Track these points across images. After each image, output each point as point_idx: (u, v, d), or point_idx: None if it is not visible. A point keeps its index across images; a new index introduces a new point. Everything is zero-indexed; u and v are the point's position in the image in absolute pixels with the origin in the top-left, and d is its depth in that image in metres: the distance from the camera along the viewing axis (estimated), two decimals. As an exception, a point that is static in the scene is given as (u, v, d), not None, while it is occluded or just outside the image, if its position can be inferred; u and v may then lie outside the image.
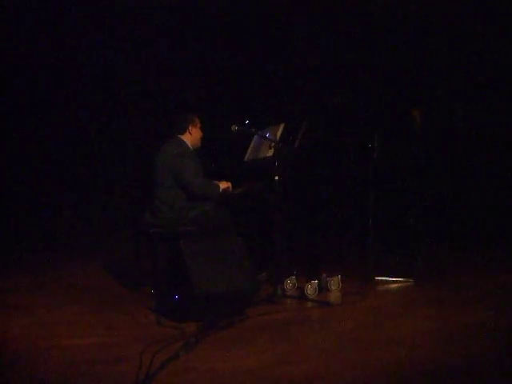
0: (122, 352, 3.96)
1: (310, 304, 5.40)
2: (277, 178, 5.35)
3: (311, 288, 5.55)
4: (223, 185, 5.72)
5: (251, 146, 6.15)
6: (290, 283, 5.79)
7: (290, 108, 8.83)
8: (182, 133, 5.75)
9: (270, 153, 5.60)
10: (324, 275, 5.80)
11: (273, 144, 5.52)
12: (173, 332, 4.33)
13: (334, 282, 5.84)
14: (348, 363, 3.66)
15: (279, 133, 5.76)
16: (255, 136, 6.04)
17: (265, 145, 5.81)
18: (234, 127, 5.59)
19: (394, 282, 6.22)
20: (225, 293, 4.70)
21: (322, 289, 5.72)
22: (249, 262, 4.96)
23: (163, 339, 4.10)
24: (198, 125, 5.82)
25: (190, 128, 5.74)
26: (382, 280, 6.20)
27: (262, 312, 4.90)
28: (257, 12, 9.21)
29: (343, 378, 3.44)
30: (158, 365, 3.54)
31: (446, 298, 5.48)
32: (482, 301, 5.32)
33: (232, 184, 5.77)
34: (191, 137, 5.76)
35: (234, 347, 4.03)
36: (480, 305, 5.17)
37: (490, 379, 3.38)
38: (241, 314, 4.75)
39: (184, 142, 5.71)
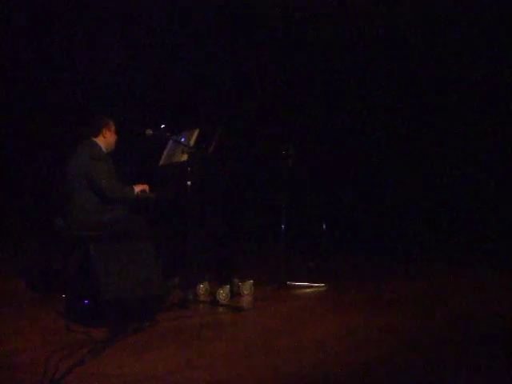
0: (27, 358, 3.88)
1: (221, 309, 5.42)
2: (189, 183, 5.36)
3: (223, 293, 5.57)
4: (138, 187, 5.70)
5: (166, 150, 6.13)
6: (202, 288, 5.79)
7: (205, 114, 8.86)
8: (96, 135, 5.70)
9: (184, 158, 5.59)
10: (236, 280, 5.83)
11: (186, 149, 5.53)
12: (81, 337, 4.27)
13: (246, 287, 5.88)
14: (255, 368, 3.70)
15: (193, 138, 5.76)
16: (170, 141, 6.03)
17: (179, 150, 5.79)
18: (149, 131, 5.57)
19: (307, 287, 6.29)
20: (134, 298, 4.68)
21: (234, 294, 5.74)
22: (159, 267, 4.94)
23: (71, 345, 4.05)
24: (113, 128, 5.79)
25: (104, 131, 5.70)
26: (294, 285, 6.27)
27: (173, 317, 4.90)
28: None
29: (249, 382, 3.48)
30: (63, 371, 3.50)
31: (357, 302, 5.60)
32: (391, 306, 5.46)
33: (149, 187, 5.77)
34: (105, 140, 5.72)
35: (142, 352, 4.01)
36: (390, 309, 5.30)
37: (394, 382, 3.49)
38: (151, 319, 4.73)
39: (98, 144, 5.67)
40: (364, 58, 8.94)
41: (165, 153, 6.14)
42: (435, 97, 8.57)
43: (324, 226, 7.63)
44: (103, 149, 5.69)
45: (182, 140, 5.79)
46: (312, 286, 6.30)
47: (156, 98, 9.22)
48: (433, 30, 8.40)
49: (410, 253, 8.15)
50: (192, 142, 5.71)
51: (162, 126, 5.73)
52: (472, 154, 8.29)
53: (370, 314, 5.15)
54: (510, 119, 7.95)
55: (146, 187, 5.77)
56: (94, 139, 5.69)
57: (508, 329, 4.65)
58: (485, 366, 3.71)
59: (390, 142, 8.93)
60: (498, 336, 4.44)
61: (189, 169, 5.39)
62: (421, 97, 8.69)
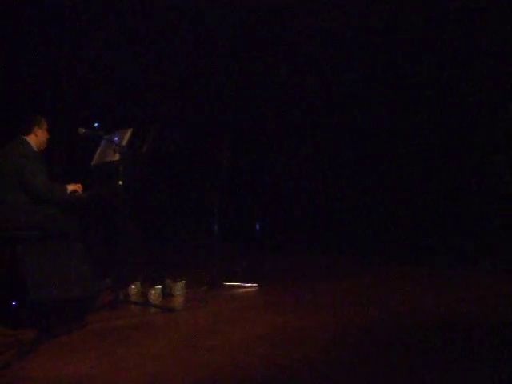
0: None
1: (153, 310, 5.41)
2: (121, 182, 5.32)
3: (154, 293, 5.56)
4: (70, 187, 5.63)
5: (99, 149, 6.08)
6: (134, 289, 5.77)
7: (140, 113, 8.81)
8: (27, 133, 5.61)
9: (117, 157, 5.55)
10: (168, 281, 5.83)
11: (119, 148, 5.49)
12: (8, 340, 4.21)
13: (178, 288, 5.87)
14: (183, 368, 3.71)
15: (127, 137, 5.73)
16: (103, 140, 5.97)
17: (112, 149, 5.74)
18: (81, 130, 5.50)
19: (240, 287, 6.33)
20: (63, 299, 4.64)
21: (166, 294, 5.74)
22: (88, 267, 4.91)
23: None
24: (45, 126, 5.70)
25: (35, 129, 5.61)
26: (227, 285, 6.30)
27: (103, 318, 4.88)
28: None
29: (178, 382, 3.50)
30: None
31: (287, 302, 5.66)
32: (324, 306, 5.52)
33: (82, 186, 5.71)
34: (36, 138, 5.63)
35: (70, 354, 3.98)
36: (322, 310, 5.36)
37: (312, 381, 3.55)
38: (80, 320, 4.69)
39: (28, 142, 5.58)
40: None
41: (98, 152, 6.08)
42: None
43: (257, 227, 7.68)
44: (34, 147, 5.60)
45: (115, 139, 5.74)
46: (244, 286, 6.34)
47: (89, 96, 9.12)
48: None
49: (350, 253, 8.27)
50: (125, 142, 5.67)
51: (96, 124, 5.67)
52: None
53: (297, 313, 5.20)
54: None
55: (78, 187, 5.71)
56: (25, 137, 5.60)
57: (436, 327, 4.77)
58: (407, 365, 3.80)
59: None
60: (426, 334, 4.56)
61: (121, 168, 5.35)
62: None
